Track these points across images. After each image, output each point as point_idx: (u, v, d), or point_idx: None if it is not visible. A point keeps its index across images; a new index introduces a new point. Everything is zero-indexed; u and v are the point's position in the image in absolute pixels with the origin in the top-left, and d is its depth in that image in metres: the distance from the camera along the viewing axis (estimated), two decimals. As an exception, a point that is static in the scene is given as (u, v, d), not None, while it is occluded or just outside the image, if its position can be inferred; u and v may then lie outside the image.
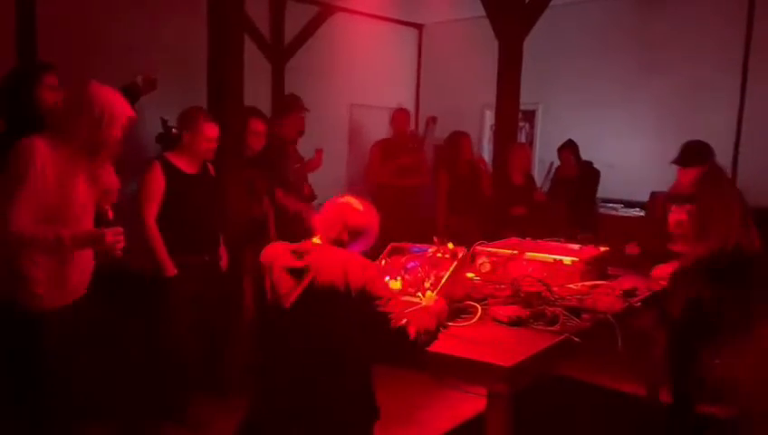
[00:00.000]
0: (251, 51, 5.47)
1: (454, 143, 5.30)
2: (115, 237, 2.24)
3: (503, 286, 2.64)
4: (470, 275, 2.87)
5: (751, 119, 5.50)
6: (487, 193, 5.26)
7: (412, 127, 7.51)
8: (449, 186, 5.23)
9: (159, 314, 3.24)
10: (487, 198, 5.24)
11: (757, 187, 5.27)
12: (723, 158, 5.52)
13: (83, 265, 2.43)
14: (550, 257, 2.93)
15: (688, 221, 3.29)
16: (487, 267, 2.92)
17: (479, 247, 3.06)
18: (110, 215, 2.33)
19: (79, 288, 2.43)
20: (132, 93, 3.26)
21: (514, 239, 3.37)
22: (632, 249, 3.77)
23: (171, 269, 3.15)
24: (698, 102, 5.69)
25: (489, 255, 3.00)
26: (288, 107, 4.69)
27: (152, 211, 3.16)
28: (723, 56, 5.56)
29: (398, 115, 5.66)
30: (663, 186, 4.80)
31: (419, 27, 7.80)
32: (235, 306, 3.68)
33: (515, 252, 2.99)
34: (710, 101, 5.64)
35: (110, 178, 2.44)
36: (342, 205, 2.19)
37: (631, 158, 5.98)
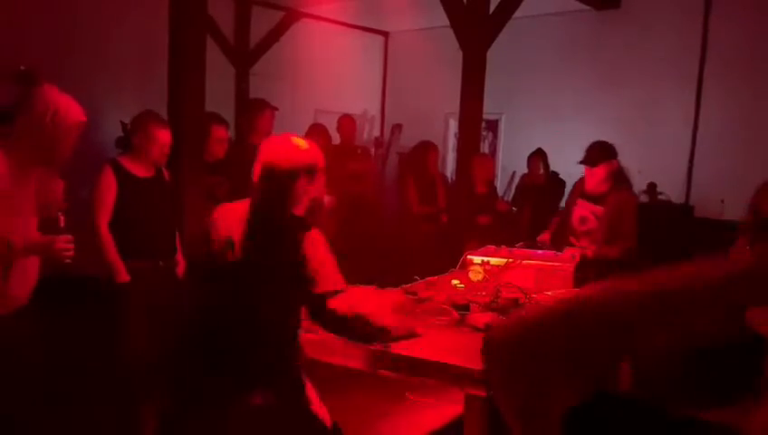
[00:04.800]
0: (215, 54, 5.42)
1: (422, 152, 5.39)
2: (65, 245, 2.19)
3: (483, 294, 2.69)
4: (455, 282, 2.90)
5: (705, 132, 5.69)
6: (441, 205, 5.39)
7: (377, 134, 7.57)
8: (416, 192, 5.33)
9: (113, 321, 3.17)
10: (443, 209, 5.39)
11: (710, 197, 5.47)
12: (677, 170, 5.75)
13: (26, 275, 2.34)
14: (545, 264, 3.01)
15: (597, 223, 3.59)
16: (479, 276, 2.93)
17: (470, 256, 3.10)
18: (62, 222, 2.27)
19: (20, 298, 2.33)
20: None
21: (492, 248, 3.43)
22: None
23: (124, 275, 3.09)
24: (655, 116, 5.86)
25: (482, 263, 3.02)
26: (256, 109, 4.56)
27: (104, 215, 3.10)
28: (678, 72, 5.74)
29: (345, 122, 5.67)
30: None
31: (385, 35, 7.84)
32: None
33: (510, 260, 3.04)
34: (666, 115, 5.82)
35: (55, 188, 2.37)
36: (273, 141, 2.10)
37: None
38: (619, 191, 3.59)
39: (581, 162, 3.66)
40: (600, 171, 3.55)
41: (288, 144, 2.06)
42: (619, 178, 3.62)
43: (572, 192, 3.95)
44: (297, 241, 1.98)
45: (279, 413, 2.02)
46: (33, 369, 2.38)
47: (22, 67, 3.28)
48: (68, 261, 2.22)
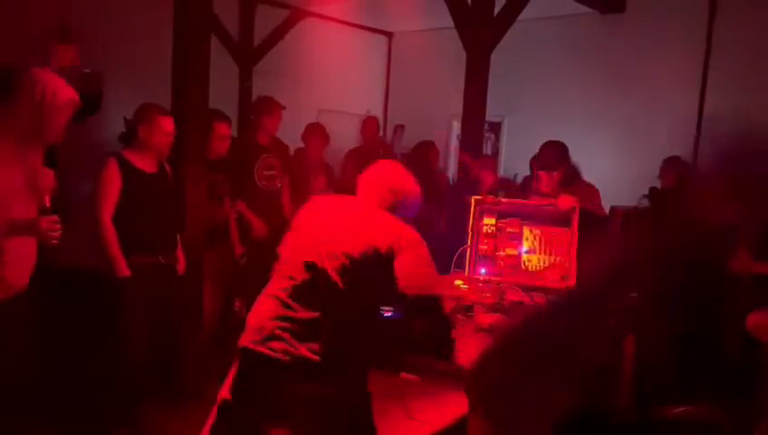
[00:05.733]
0: (219, 52, 5.42)
1: (424, 151, 5.40)
2: (50, 225, 2.17)
3: (488, 295, 2.74)
4: (458, 282, 2.92)
5: (708, 138, 5.67)
6: (446, 202, 5.39)
7: (380, 134, 7.56)
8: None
9: (112, 316, 3.16)
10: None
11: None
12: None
13: (23, 259, 2.33)
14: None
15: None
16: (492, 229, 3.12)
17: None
18: (48, 202, 2.24)
19: (18, 282, 2.32)
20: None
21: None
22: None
23: (125, 269, 3.07)
24: (657, 121, 5.84)
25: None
26: (267, 109, 4.49)
27: (108, 209, 3.08)
28: (682, 76, 5.73)
29: (369, 123, 5.69)
30: (622, 200, 4.92)
31: (389, 35, 7.84)
32: (191, 310, 3.60)
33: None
34: (668, 120, 5.81)
35: (46, 172, 2.35)
36: (385, 167, 2.29)
37: (592, 173, 6.09)
38: (575, 184, 3.51)
39: (539, 168, 3.57)
40: (559, 174, 3.49)
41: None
42: (575, 172, 3.59)
43: (523, 190, 3.96)
44: None
45: (336, 404, 2.02)
46: (29, 353, 2.37)
47: (86, 70, 3.29)
48: (55, 242, 2.20)
